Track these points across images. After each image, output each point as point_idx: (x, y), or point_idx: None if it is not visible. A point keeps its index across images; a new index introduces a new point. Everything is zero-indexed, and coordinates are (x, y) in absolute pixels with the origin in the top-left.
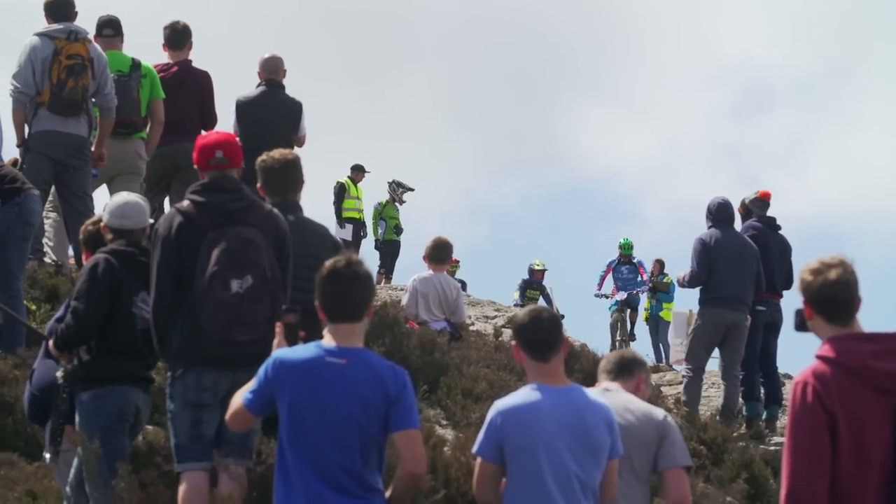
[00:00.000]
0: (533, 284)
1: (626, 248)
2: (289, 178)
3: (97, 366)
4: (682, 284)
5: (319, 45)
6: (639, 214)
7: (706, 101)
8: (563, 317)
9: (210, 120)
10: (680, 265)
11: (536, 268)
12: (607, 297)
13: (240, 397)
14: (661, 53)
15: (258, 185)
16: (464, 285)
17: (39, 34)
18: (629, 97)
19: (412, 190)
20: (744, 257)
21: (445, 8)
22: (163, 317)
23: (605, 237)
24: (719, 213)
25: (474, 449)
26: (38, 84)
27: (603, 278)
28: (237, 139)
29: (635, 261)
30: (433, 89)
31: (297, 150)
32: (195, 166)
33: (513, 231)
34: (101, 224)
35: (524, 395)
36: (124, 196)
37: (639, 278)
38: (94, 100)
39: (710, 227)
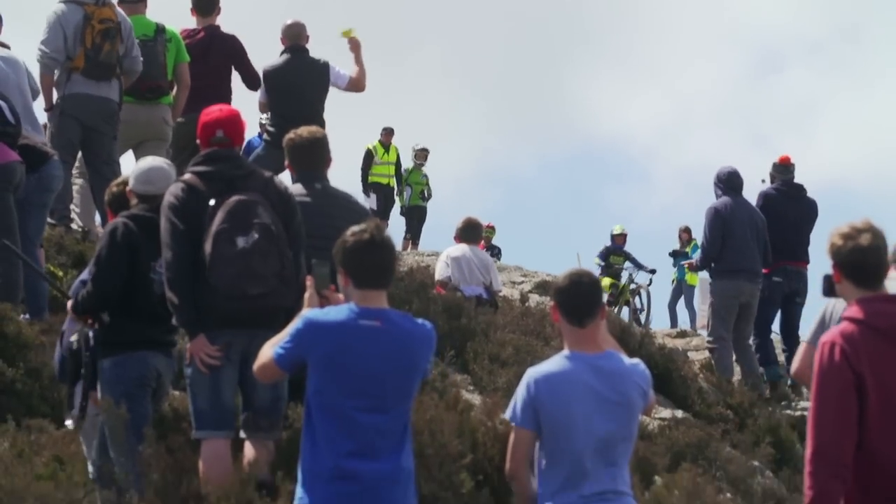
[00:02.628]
0: (615, 251)
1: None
2: (316, 155)
3: (118, 331)
4: (696, 268)
5: (333, 10)
6: (649, 177)
7: (717, 64)
8: (653, 271)
9: (252, 79)
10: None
11: (616, 233)
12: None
13: (270, 350)
14: (672, 16)
15: (286, 162)
16: (499, 251)
17: (66, 1)
18: (641, 60)
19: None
20: (755, 227)
21: None
22: (177, 282)
23: (617, 200)
24: (730, 182)
25: (507, 416)
26: (69, 49)
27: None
28: (240, 115)
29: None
30: (447, 54)
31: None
32: (197, 141)
33: (525, 195)
34: (127, 189)
35: (558, 362)
36: (149, 161)
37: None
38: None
39: (719, 197)
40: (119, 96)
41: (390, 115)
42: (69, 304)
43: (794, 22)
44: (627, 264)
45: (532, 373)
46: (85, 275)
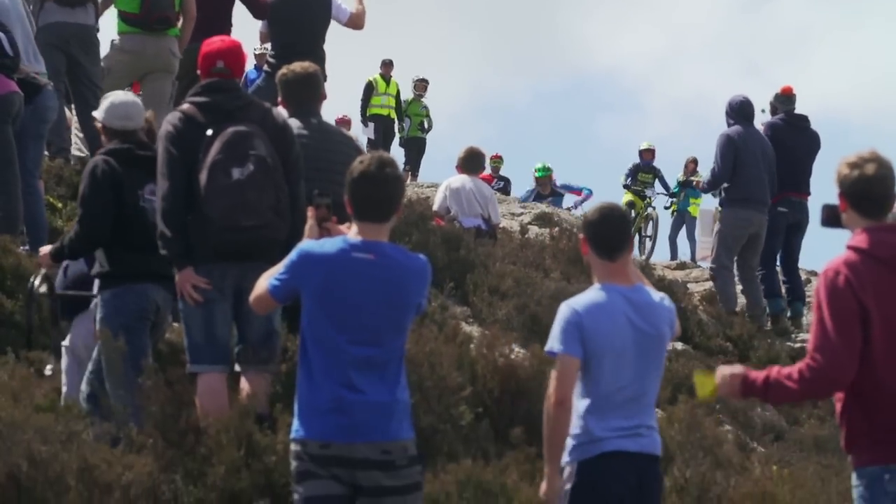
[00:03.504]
0: (643, 167)
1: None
2: (310, 90)
3: (116, 263)
4: (702, 189)
5: None
6: (642, 108)
7: None
8: (674, 195)
9: (258, 8)
10: (679, 157)
11: (643, 148)
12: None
13: (265, 281)
14: None
15: (279, 98)
16: (508, 182)
17: None
18: None
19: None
20: (766, 158)
21: None
22: (170, 213)
23: (609, 131)
24: (742, 111)
25: (554, 348)
26: None
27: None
28: (241, 47)
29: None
30: None
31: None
32: (197, 71)
33: (520, 127)
34: (99, 125)
35: (595, 294)
36: (120, 96)
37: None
38: None
39: (731, 125)
40: (95, 20)
41: (386, 48)
42: (48, 249)
43: None
44: (657, 185)
45: (571, 303)
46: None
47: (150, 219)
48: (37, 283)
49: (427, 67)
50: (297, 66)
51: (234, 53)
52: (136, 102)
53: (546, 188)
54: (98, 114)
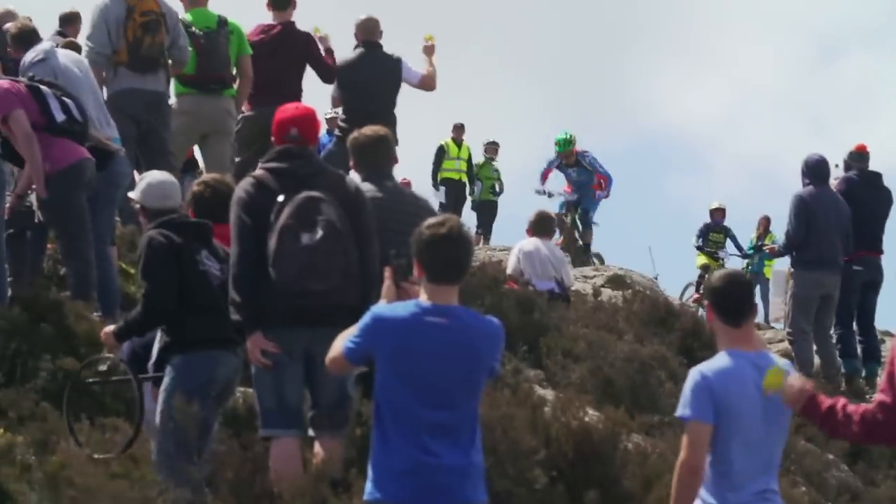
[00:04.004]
0: (714, 227)
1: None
2: (381, 153)
3: (183, 330)
4: (777, 253)
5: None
6: (710, 166)
7: (776, 52)
8: (748, 256)
9: (326, 72)
10: (748, 216)
11: (714, 207)
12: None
13: (340, 343)
14: (731, 4)
15: (350, 162)
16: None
17: None
18: (700, 48)
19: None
20: (839, 217)
21: None
22: (241, 279)
23: (677, 190)
24: (816, 171)
25: (686, 414)
26: (113, 44)
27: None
28: (315, 114)
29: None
30: (505, 44)
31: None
32: (272, 138)
33: None
34: (136, 206)
35: (723, 359)
36: (157, 175)
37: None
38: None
39: (806, 185)
40: (166, 87)
41: (454, 109)
42: (110, 329)
43: (852, 8)
44: (727, 247)
45: (701, 368)
46: None
47: (212, 283)
48: (103, 369)
49: (495, 128)
50: (368, 129)
51: (308, 120)
52: (173, 181)
53: (571, 158)
54: (135, 194)
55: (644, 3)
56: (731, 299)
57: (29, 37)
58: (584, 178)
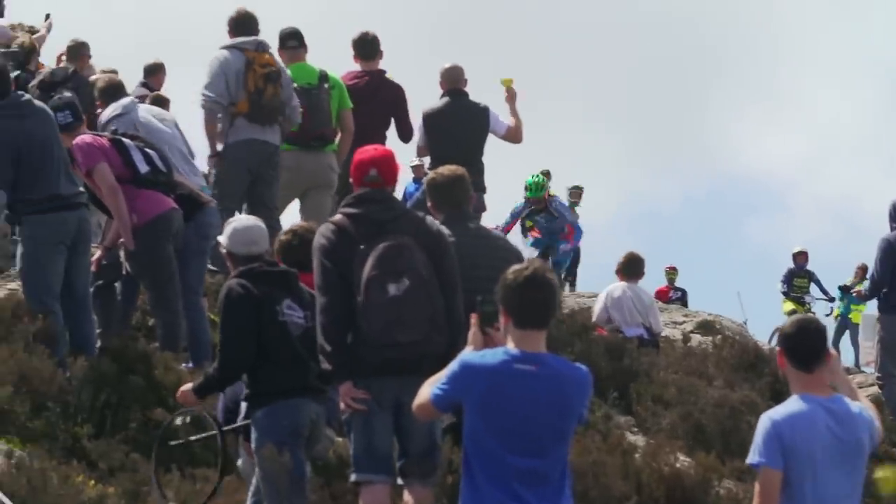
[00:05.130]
0: (798, 271)
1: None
2: (459, 192)
3: (266, 380)
4: (863, 297)
5: (470, 52)
6: (790, 209)
7: (856, 94)
8: (833, 299)
9: (408, 132)
10: (829, 259)
11: (797, 251)
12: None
13: (428, 389)
14: (811, 48)
15: (429, 203)
16: (685, 293)
17: (228, 47)
18: (780, 91)
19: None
20: None
21: (595, 8)
22: (330, 328)
23: (757, 234)
24: None
25: (755, 460)
26: (232, 95)
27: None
28: (394, 156)
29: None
30: (586, 90)
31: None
32: (350, 180)
33: (669, 231)
34: (224, 251)
35: (795, 404)
36: (244, 221)
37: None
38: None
39: (893, 229)
40: (280, 142)
41: (536, 156)
42: (189, 387)
43: None
44: (811, 291)
45: (771, 414)
46: None
47: (293, 333)
48: (178, 421)
49: (577, 175)
50: (445, 169)
51: (388, 162)
52: (259, 226)
53: (541, 204)
54: (222, 240)
55: (724, 50)
56: (803, 345)
57: (115, 91)
58: (553, 224)
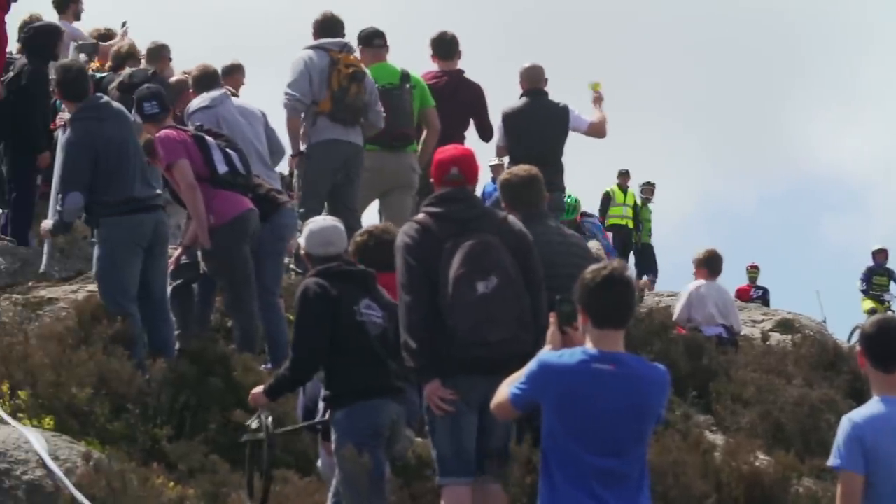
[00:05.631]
0: (877, 269)
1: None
2: (533, 192)
3: (342, 383)
4: None
5: (551, 51)
6: (867, 207)
7: None
8: None
9: (488, 131)
10: None
11: (876, 249)
12: None
13: (506, 389)
14: (891, 45)
15: (502, 203)
16: (766, 292)
17: (313, 47)
18: (857, 90)
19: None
20: None
21: (673, 6)
22: (415, 326)
23: (834, 232)
24: None
25: (837, 463)
26: (315, 93)
27: None
28: (474, 155)
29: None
30: (662, 89)
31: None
32: (431, 180)
33: (746, 231)
34: (302, 252)
35: (875, 406)
36: (320, 222)
37: None
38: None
39: None
40: (363, 142)
41: (614, 156)
42: (260, 389)
43: None
44: (892, 288)
45: (852, 416)
46: None
47: (372, 332)
48: (253, 425)
49: (655, 175)
50: (520, 169)
51: (468, 160)
52: (336, 227)
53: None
54: (300, 241)
55: (802, 47)
56: (883, 345)
57: (209, 81)
58: None
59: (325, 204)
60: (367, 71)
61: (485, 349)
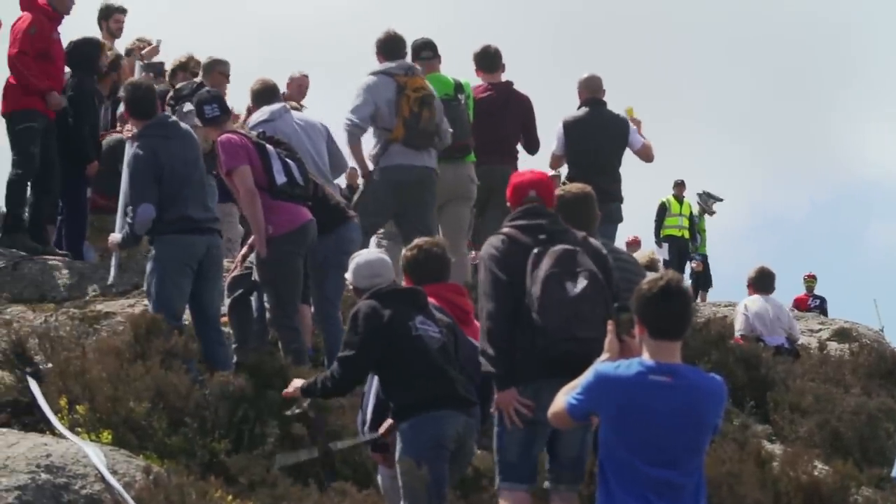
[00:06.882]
0: None
1: None
2: (586, 210)
3: (405, 396)
4: None
5: (598, 59)
6: None
7: None
8: None
9: (535, 144)
10: None
11: None
12: None
13: (563, 398)
14: None
15: None
16: (824, 301)
17: (376, 73)
18: None
19: (721, 200)
20: None
21: (717, 16)
22: (496, 334)
23: (883, 239)
24: None
25: None
26: (385, 121)
27: None
28: (550, 179)
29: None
30: (711, 98)
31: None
32: (507, 203)
33: (796, 238)
34: (350, 286)
35: None
36: (365, 255)
37: None
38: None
39: None
40: (436, 164)
41: (665, 164)
42: (298, 384)
43: None
44: None
45: None
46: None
47: (431, 346)
48: (289, 413)
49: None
50: (574, 187)
51: (545, 184)
52: (382, 260)
53: None
54: (348, 276)
55: (851, 53)
56: None
57: (269, 95)
58: None
59: (394, 225)
60: (433, 92)
61: (574, 344)
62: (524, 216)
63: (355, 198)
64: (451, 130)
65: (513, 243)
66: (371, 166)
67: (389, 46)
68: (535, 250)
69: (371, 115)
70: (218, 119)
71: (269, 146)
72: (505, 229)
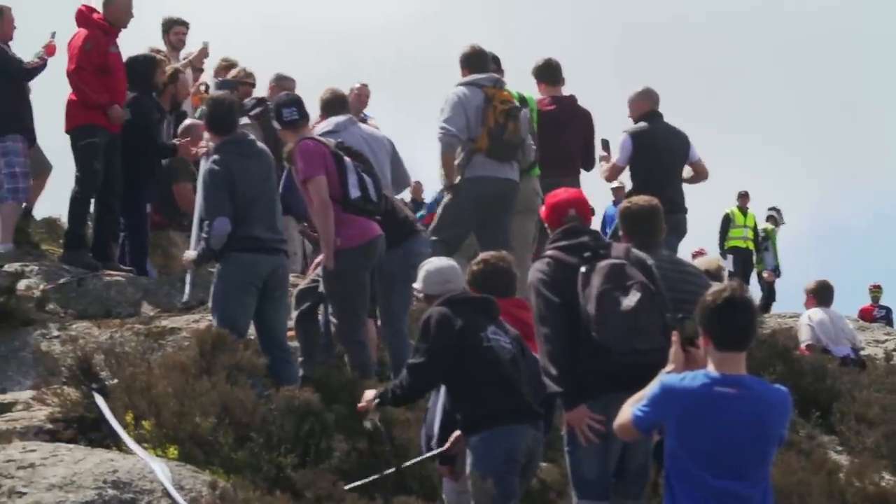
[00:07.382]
0: None
1: None
2: (653, 222)
3: (476, 409)
4: None
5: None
6: None
7: None
8: None
9: (593, 160)
10: None
11: None
12: None
13: (629, 410)
14: None
15: (620, 232)
16: (889, 311)
17: (465, 83)
18: None
19: (784, 224)
20: None
21: (772, 29)
22: (557, 355)
23: None
24: None
25: None
26: (471, 131)
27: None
28: (586, 197)
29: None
30: (770, 109)
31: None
32: (545, 224)
33: (861, 248)
34: (420, 294)
35: None
36: (435, 263)
37: None
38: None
39: None
40: (519, 177)
41: (727, 176)
42: (371, 394)
43: None
44: None
45: None
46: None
47: (503, 357)
48: (367, 424)
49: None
50: (641, 199)
51: (583, 202)
52: (452, 267)
53: None
54: (417, 284)
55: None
56: None
57: (340, 105)
58: None
59: (475, 237)
60: (522, 109)
61: (634, 357)
62: (565, 236)
63: (439, 210)
64: (535, 147)
65: (559, 265)
66: (457, 179)
67: (475, 60)
68: (583, 269)
69: (465, 125)
70: (296, 123)
71: (346, 158)
72: (549, 252)
